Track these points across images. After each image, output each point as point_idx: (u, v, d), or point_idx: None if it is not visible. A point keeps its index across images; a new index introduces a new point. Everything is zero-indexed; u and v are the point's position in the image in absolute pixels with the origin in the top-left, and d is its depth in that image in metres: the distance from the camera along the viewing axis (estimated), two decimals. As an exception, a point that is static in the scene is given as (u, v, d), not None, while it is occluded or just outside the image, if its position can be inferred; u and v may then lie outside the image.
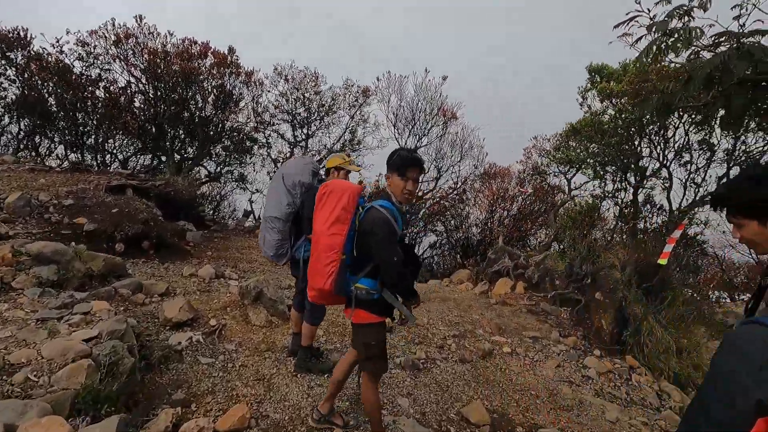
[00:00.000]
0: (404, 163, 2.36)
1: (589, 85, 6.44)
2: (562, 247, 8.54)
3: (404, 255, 2.40)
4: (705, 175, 5.34)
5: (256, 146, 12.42)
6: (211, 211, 14.15)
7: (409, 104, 9.65)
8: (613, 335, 5.72)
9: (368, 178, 12.34)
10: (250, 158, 12.63)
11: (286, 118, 11.36)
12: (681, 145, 5.27)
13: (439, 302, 6.63)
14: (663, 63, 2.82)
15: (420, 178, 2.49)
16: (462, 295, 7.26)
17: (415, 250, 13.04)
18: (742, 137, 4.89)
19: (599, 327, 5.88)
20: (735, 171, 5.03)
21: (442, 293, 7.18)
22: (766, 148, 4.73)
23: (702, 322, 6.15)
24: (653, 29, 2.37)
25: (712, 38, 2.42)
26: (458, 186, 10.99)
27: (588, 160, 5.96)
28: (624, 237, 6.32)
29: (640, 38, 2.65)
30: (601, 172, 5.91)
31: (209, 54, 9.97)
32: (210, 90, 10.71)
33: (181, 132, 11.62)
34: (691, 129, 5.42)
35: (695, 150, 5.23)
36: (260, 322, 4.70)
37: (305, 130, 11.22)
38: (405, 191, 2.38)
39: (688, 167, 5.39)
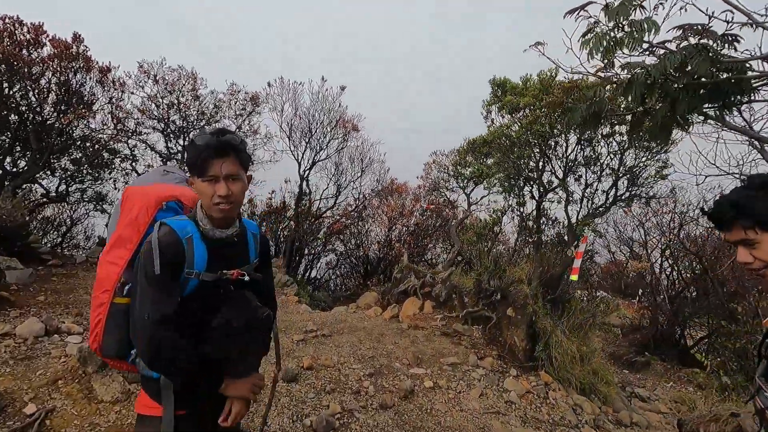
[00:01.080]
0: (202, 154, 1.35)
1: (492, 98, 6.56)
2: (461, 259, 8.54)
3: (196, 316, 1.43)
4: (595, 189, 5.76)
5: (117, 159, 10.27)
6: (59, 240, 11.33)
7: (306, 114, 8.89)
8: (526, 351, 5.64)
9: (259, 196, 11.13)
10: (110, 173, 10.40)
11: (158, 126, 9.60)
12: (573, 162, 5.60)
13: (348, 334, 5.90)
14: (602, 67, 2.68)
15: (241, 172, 1.43)
16: (372, 322, 6.63)
17: (314, 272, 12.14)
18: (623, 155, 5.40)
19: (512, 344, 5.77)
20: (622, 184, 5.49)
21: (351, 322, 6.47)
22: (644, 162, 5.26)
23: (596, 327, 6.48)
24: (615, 14, 2.13)
25: (671, 31, 2.27)
26: (359, 203, 10.48)
27: (498, 174, 5.99)
28: (528, 250, 6.48)
29: (590, 30, 2.42)
30: (507, 185, 5.99)
31: (45, 41, 7.87)
32: (49, 87, 8.50)
33: (5, 139, 9.02)
34: (578, 147, 5.77)
35: (586, 165, 5.59)
36: (111, 395, 3.40)
37: (182, 141, 9.60)
38: (216, 199, 1.37)
39: (581, 181, 5.75)
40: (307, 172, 9.14)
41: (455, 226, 9.22)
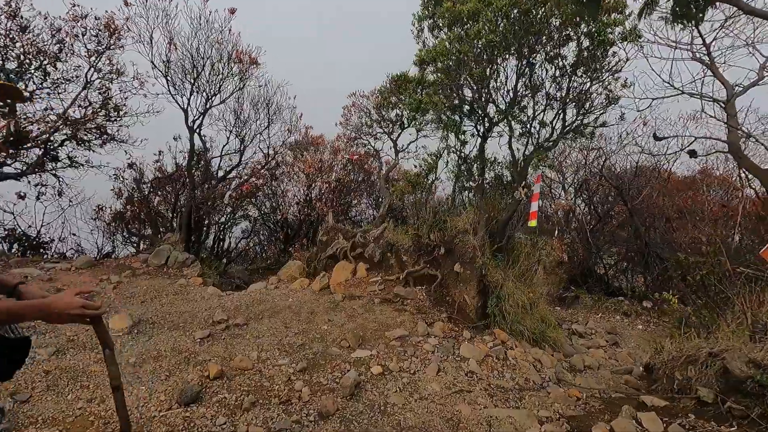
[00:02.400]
0: None
1: (423, 12, 5.37)
2: (387, 211, 7.68)
3: None
4: (542, 121, 5.05)
5: None
6: None
7: (186, 47, 6.84)
8: (478, 309, 5.04)
9: (141, 158, 8.99)
10: None
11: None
12: (521, 87, 4.79)
13: (270, 317, 4.75)
14: None
15: None
16: (299, 297, 5.53)
17: (226, 242, 10.51)
18: (571, 80, 4.76)
19: (462, 303, 5.13)
20: (571, 113, 4.85)
21: (272, 301, 5.30)
22: (586, 87, 4.67)
23: (541, 271, 6.13)
24: None
25: None
26: (270, 159, 8.89)
27: (439, 105, 4.94)
28: (467, 196, 5.79)
29: None
30: (447, 119, 5.01)
31: None
32: None
33: None
34: (521, 72, 5.00)
35: (532, 93, 4.85)
36: None
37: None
38: None
39: (526, 113, 5.02)
40: (197, 122, 7.25)
41: (383, 177, 8.26)
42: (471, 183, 5.70)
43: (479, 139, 5.17)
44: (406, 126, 7.69)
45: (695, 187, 10.43)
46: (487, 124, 5.03)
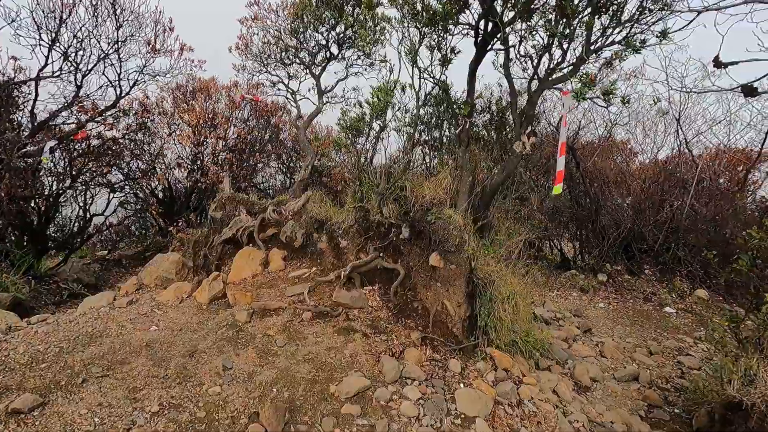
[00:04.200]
0: None
1: None
2: (311, 174, 5.55)
3: None
4: (559, 36, 3.18)
5: None
6: None
7: None
8: (465, 321, 3.32)
9: None
10: None
11: None
12: None
13: (103, 377, 2.48)
14: None
15: None
16: (171, 320, 3.26)
17: (68, 223, 7.27)
18: None
19: (440, 311, 3.37)
20: (600, 26, 3.04)
21: (117, 335, 2.97)
22: None
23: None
24: None
25: None
26: (121, 96, 5.83)
27: None
28: (447, 149, 3.95)
29: None
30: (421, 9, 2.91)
31: None
32: None
33: None
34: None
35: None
36: None
37: None
38: None
39: (539, 21, 3.10)
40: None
41: (304, 125, 5.99)
42: (451, 128, 3.83)
43: (475, 51, 3.25)
44: (331, 56, 5.46)
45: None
46: (490, 27, 3.09)
